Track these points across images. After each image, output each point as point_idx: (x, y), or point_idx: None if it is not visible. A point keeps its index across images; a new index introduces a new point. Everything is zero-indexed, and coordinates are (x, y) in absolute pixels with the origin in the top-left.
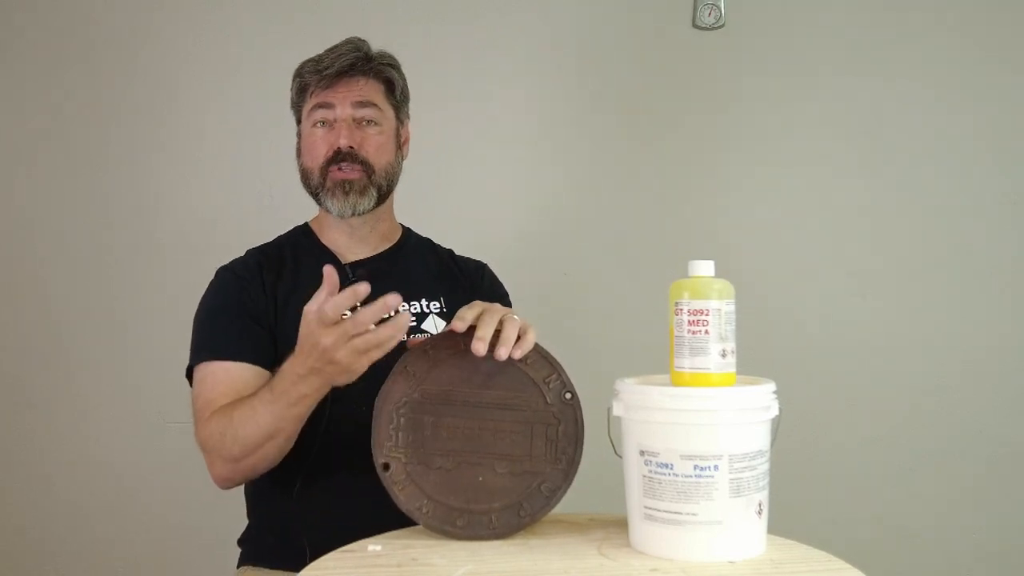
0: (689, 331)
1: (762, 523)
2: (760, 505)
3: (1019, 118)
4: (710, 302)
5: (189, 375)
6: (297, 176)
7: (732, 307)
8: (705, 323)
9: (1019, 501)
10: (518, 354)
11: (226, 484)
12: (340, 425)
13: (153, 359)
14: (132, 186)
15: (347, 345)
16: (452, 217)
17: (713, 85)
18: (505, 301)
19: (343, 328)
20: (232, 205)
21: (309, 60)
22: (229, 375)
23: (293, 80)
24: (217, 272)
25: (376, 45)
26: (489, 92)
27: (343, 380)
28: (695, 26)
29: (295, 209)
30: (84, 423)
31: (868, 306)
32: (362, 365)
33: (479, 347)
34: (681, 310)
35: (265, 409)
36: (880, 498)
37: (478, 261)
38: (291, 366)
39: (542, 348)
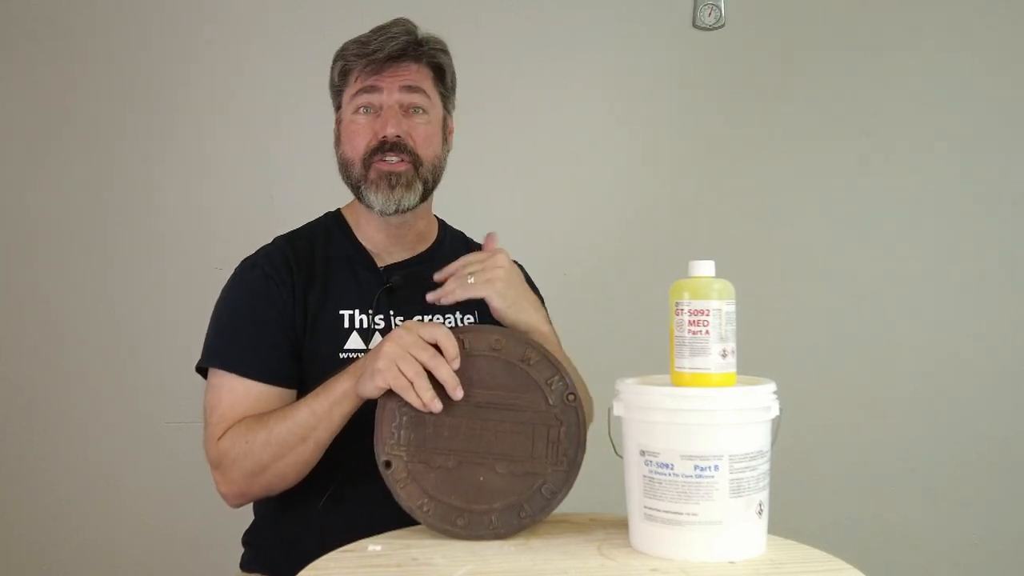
0: (689, 331)
1: (762, 523)
2: (760, 505)
3: (1019, 118)
4: (710, 302)
5: (201, 371)
6: (298, 176)
7: (732, 307)
8: (705, 323)
9: (1019, 501)
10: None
11: (239, 501)
12: (369, 451)
13: (152, 359)
14: (132, 186)
15: (404, 355)
16: (451, 217)
17: (713, 85)
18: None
19: (427, 352)
20: (233, 205)
21: (353, 41)
22: (249, 394)
23: (334, 62)
24: (244, 265)
25: None
26: (484, 93)
27: (364, 383)
28: (695, 26)
29: (296, 208)
30: (83, 423)
31: (868, 306)
32: (386, 378)
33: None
34: (681, 310)
35: (304, 404)
36: (880, 498)
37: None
38: (347, 369)
39: (545, 349)
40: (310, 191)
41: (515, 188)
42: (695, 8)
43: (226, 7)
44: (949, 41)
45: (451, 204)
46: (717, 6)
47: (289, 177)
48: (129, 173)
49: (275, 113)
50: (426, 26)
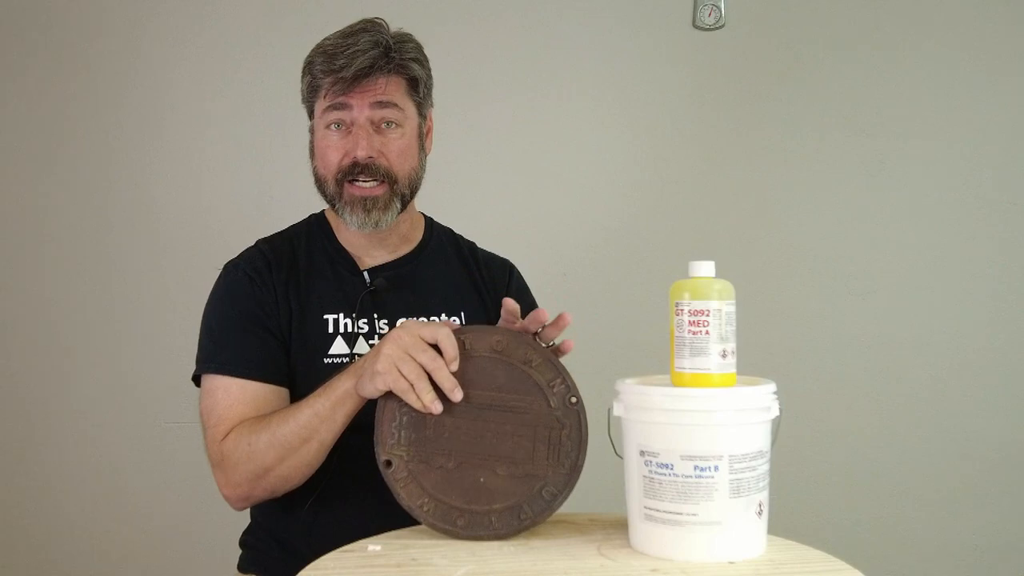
0: (689, 331)
1: (762, 523)
2: (760, 506)
3: (1019, 118)
4: (710, 302)
5: (195, 379)
6: (298, 174)
7: (732, 307)
8: (705, 324)
9: (1018, 501)
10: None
11: (242, 504)
12: (355, 453)
13: (152, 359)
14: (132, 186)
15: (404, 356)
16: (450, 217)
17: (713, 85)
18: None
19: (427, 354)
20: (232, 204)
21: (320, 53)
22: (245, 393)
23: (303, 74)
24: (226, 269)
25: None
26: (484, 92)
27: (364, 385)
28: (695, 26)
29: (297, 208)
30: (83, 423)
31: (868, 306)
32: (386, 380)
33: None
34: (681, 310)
35: (307, 404)
36: (880, 498)
37: (503, 260)
38: (347, 369)
39: (547, 352)
40: (310, 191)
41: (515, 188)
42: (695, 8)
43: (226, 7)
44: (949, 41)
45: (451, 204)
46: (717, 6)
47: (289, 177)
48: (129, 173)
49: (275, 113)
50: (426, 26)
